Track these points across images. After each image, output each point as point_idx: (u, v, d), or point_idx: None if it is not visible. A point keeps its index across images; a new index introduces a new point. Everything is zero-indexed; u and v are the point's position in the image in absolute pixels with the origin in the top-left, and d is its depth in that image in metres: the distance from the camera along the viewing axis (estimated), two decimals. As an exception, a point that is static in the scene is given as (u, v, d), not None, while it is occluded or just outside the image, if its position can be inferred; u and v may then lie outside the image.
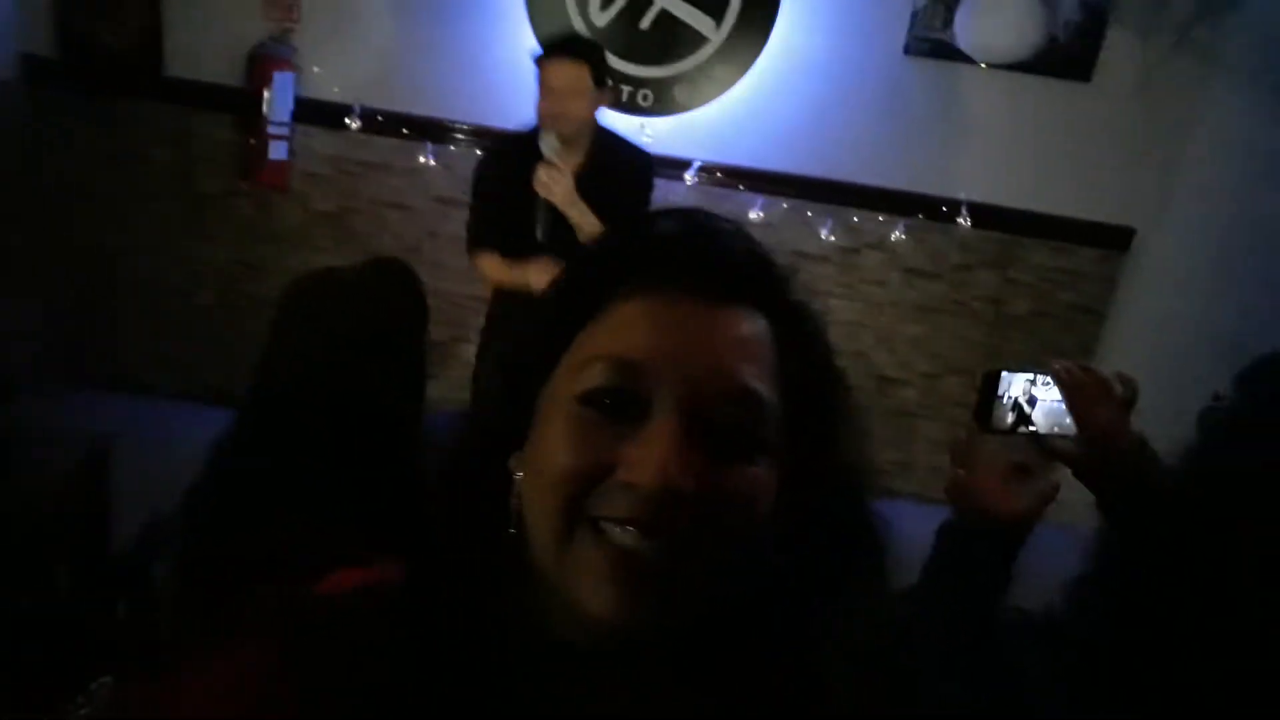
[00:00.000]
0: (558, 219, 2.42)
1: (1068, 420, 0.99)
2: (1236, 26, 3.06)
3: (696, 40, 3.15)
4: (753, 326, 0.52)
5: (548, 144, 2.37)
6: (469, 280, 3.46)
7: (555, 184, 2.37)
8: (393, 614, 0.52)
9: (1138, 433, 0.99)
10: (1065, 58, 3.12)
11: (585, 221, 2.39)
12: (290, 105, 3.19)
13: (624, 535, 0.47)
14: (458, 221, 3.40)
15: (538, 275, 2.35)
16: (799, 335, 0.54)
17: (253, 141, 3.21)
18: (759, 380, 0.50)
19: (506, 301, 2.68)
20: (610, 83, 2.53)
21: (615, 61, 3.13)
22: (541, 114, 2.39)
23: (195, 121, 3.30)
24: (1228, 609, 0.63)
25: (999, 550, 0.92)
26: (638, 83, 3.19)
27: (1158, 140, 3.22)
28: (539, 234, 2.47)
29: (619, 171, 2.48)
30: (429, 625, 0.51)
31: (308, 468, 1.17)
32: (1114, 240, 3.35)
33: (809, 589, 0.53)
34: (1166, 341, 3.12)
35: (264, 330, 1.32)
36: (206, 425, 1.28)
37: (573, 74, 2.34)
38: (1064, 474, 0.98)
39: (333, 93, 3.26)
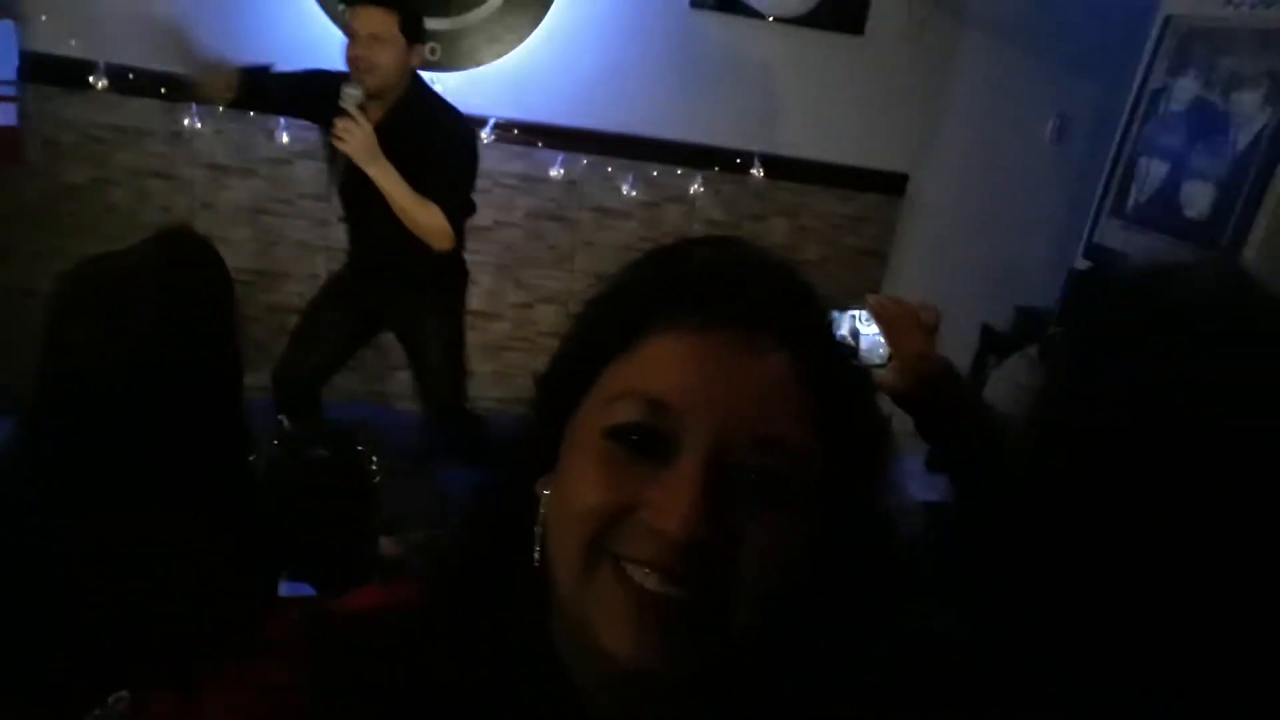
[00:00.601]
0: (354, 173, 2.27)
1: (882, 351, 1.06)
2: (985, -17, 3.34)
3: (483, -8, 3.03)
4: (790, 368, 0.50)
5: (349, 95, 2.23)
6: (253, 255, 3.20)
7: (352, 137, 2.22)
8: (412, 637, 0.51)
9: (943, 356, 1.07)
10: (841, 12, 3.28)
11: (386, 180, 2.25)
12: (15, 61, 2.77)
13: (646, 578, 0.47)
14: (235, 191, 3.14)
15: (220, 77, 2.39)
16: (835, 374, 0.53)
17: (-29, 105, 2.77)
18: (793, 427, 0.49)
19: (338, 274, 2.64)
20: (426, 41, 2.41)
21: (398, 13, 2.96)
22: (348, 61, 2.26)
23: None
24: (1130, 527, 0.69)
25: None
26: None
27: (924, 90, 3.46)
28: (333, 185, 2.35)
29: (426, 132, 2.33)
30: (447, 651, 0.51)
31: (117, 469, 1.03)
32: (891, 185, 3.59)
33: (834, 637, 0.53)
34: (942, 276, 3.40)
35: (19, 320, 1.14)
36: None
37: (381, 21, 2.22)
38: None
39: (69, 47, 2.87)
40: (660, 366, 0.49)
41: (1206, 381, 0.66)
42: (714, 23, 3.26)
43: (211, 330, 1.18)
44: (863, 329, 1.06)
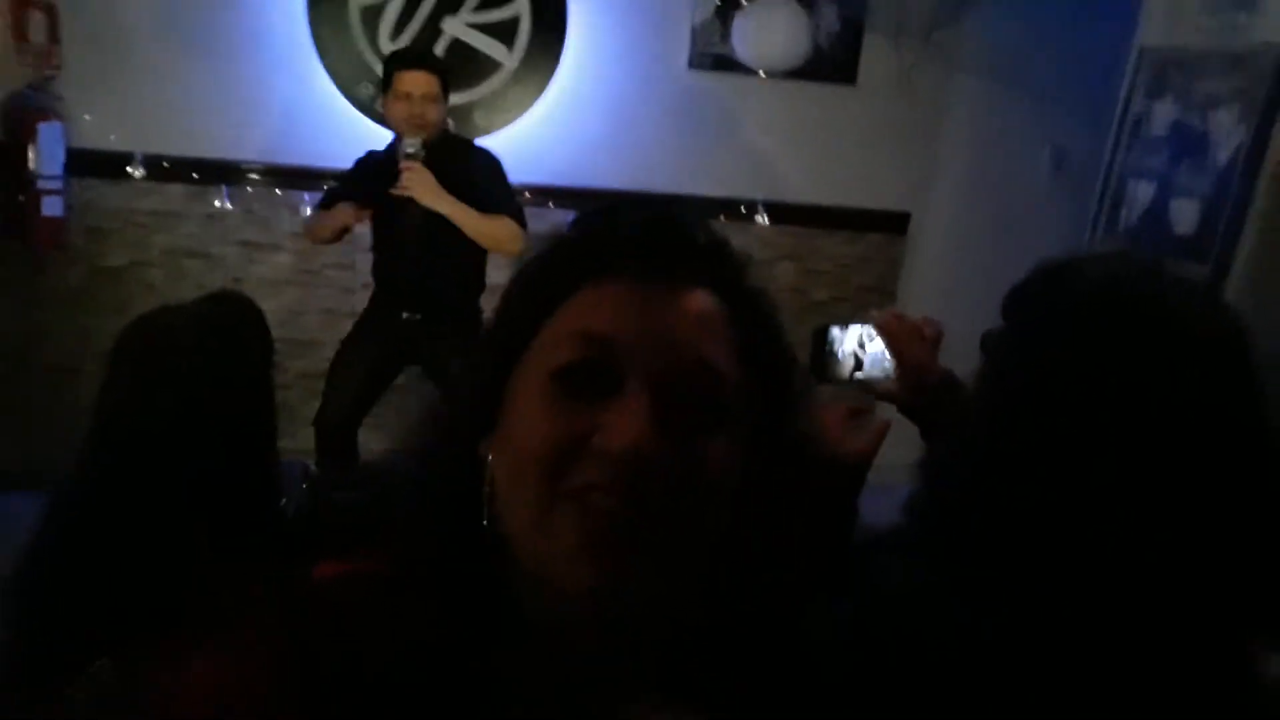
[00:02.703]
0: (427, 217, 2.54)
1: (888, 364, 1.12)
2: (970, 30, 3.47)
3: (491, 65, 3.20)
4: (713, 307, 0.54)
5: (412, 145, 2.49)
6: (282, 324, 3.34)
7: (418, 182, 2.49)
8: (375, 603, 0.53)
9: (946, 367, 1.13)
10: (831, 64, 3.42)
11: (455, 209, 2.52)
12: (61, 157, 2.97)
13: (600, 499, 0.48)
14: (263, 265, 3.30)
15: (345, 214, 2.62)
16: (754, 316, 0.57)
17: (21, 199, 2.96)
18: (721, 356, 0.53)
19: (367, 317, 2.87)
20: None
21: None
22: (396, 119, 2.54)
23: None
24: (1037, 499, 0.74)
25: (843, 489, 1.04)
26: (437, 110, 3.20)
27: (920, 131, 3.58)
28: (406, 233, 2.61)
29: (468, 164, 2.64)
30: (408, 614, 0.51)
31: (167, 516, 1.13)
32: (894, 225, 3.68)
33: (774, 558, 0.56)
34: (948, 307, 3.44)
35: (59, 399, 1.24)
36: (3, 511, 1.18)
37: (429, 82, 2.53)
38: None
39: (109, 141, 3.07)
40: (598, 308, 0.53)
41: (1099, 361, 0.74)
42: (711, 81, 3.41)
43: (253, 379, 1.29)
44: (868, 343, 1.12)
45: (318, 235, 2.76)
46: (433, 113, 2.55)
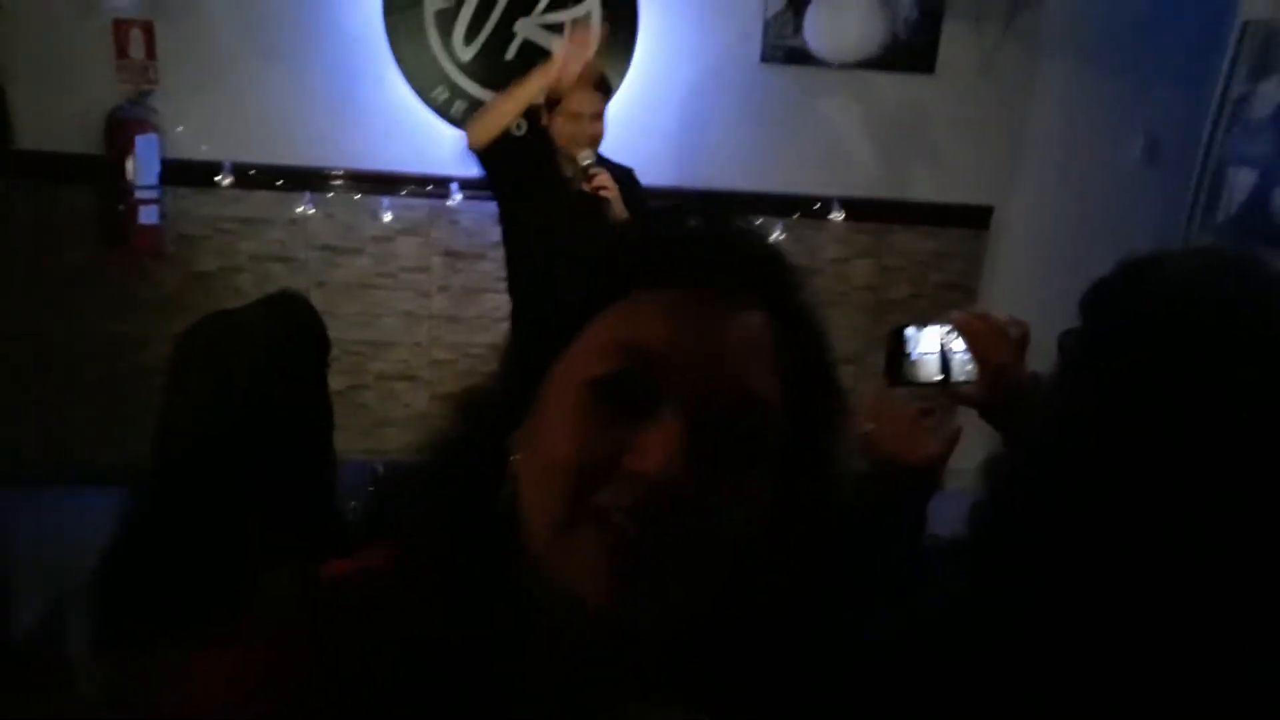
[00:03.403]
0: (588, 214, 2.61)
1: (970, 367, 1.07)
2: (1055, 11, 3.33)
3: (562, 66, 3.22)
4: (763, 327, 0.52)
5: (589, 157, 2.62)
6: (362, 326, 3.43)
7: (613, 186, 2.61)
8: (393, 596, 0.52)
9: (1032, 370, 1.08)
10: (909, 52, 3.32)
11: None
12: (157, 167, 3.12)
13: (624, 521, 0.47)
14: (345, 269, 3.39)
15: (538, 76, 2.61)
16: (804, 336, 0.55)
17: (121, 208, 3.12)
18: (765, 384, 0.51)
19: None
20: None
21: (486, 94, 3.18)
22: (564, 135, 2.63)
23: (55, 193, 3.18)
24: (1107, 508, 0.71)
25: (914, 495, 1.00)
26: (510, 113, 3.24)
27: (1001, 121, 3.46)
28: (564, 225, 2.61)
29: (621, 183, 2.71)
30: (423, 608, 0.51)
31: (229, 514, 1.16)
32: (975, 219, 3.56)
33: (796, 591, 0.54)
34: (1033, 306, 3.31)
35: (156, 401, 1.30)
36: (101, 508, 1.24)
37: (597, 102, 2.66)
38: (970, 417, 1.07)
39: (200, 151, 3.20)
40: (644, 318, 0.50)
41: (1177, 366, 0.69)
42: (784, 75, 3.36)
43: (308, 378, 1.32)
44: (948, 344, 1.07)
45: (496, 117, 2.64)
46: (600, 128, 2.67)
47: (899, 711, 0.66)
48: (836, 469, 0.57)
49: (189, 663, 0.51)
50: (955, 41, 3.36)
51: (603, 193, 2.61)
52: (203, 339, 1.29)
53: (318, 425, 1.32)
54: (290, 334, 1.34)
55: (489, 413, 0.56)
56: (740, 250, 0.54)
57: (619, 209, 2.62)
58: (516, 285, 2.84)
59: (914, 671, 0.70)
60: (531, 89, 2.63)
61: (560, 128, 2.64)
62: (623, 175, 2.77)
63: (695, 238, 0.54)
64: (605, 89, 2.75)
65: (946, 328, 1.08)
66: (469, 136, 2.68)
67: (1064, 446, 0.75)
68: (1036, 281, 3.45)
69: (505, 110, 2.65)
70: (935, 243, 3.58)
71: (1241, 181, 2.40)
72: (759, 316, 0.52)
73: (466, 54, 3.19)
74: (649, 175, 3.36)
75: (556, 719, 0.51)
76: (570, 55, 2.61)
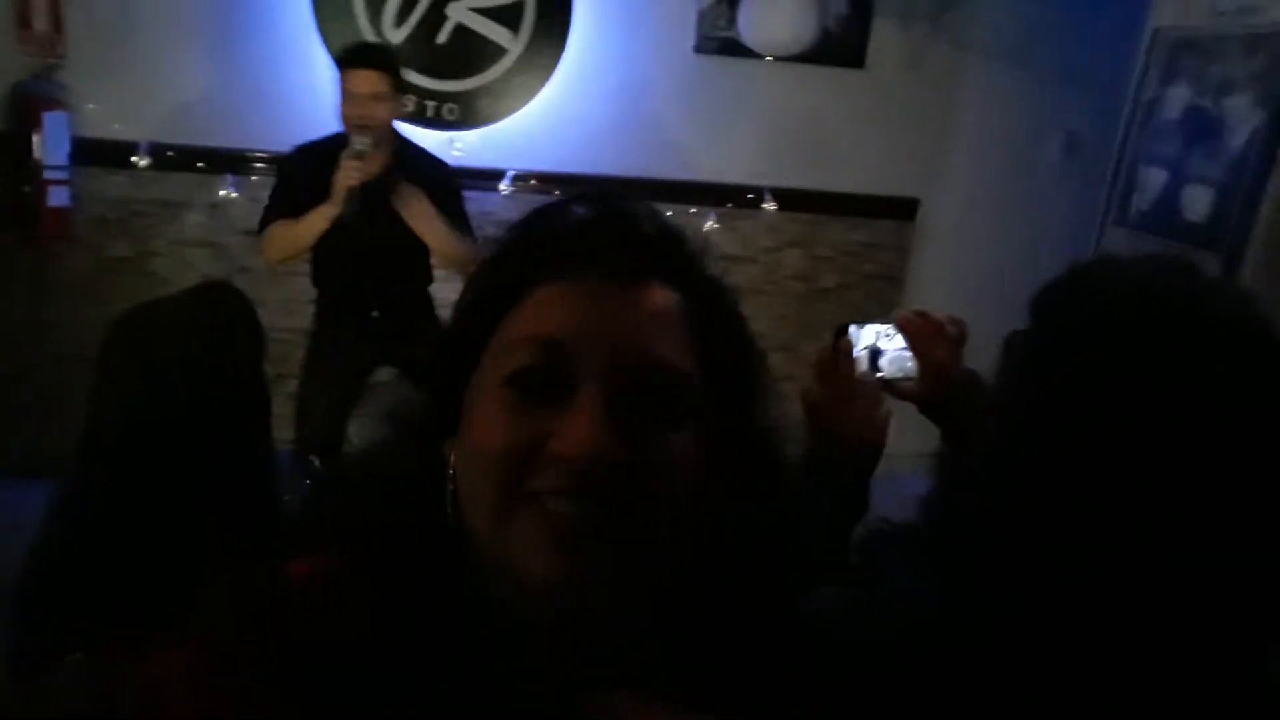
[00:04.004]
0: (366, 206, 2.44)
1: (910, 364, 1.10)
2: (980, 12, 3.42)
3: (496, 52, 3.18)
4: (667, 302, 0.54)
5: (361, 142, 2.41)
6: (288, 313, 3.33)
7: (409, 197, 2.46)
8: (344, 599, 0.53)
9: (969, 367, 1.11)
10: (840, 47, 3.38)
11: (421, 209, 2.47)
12: (66, 147, 2.96)
13: (559, 504, 0.49)
14: (270, 253, 3.29)
15: (321, 214, 2.42)
16: (712, 307, 0.56)
17: (26, 189, 2.96)
18: (675, 352, 0.52)
19: (327, 324, 2.76)
20: (406, 92, 2.66)
21: (416, 77, 3.12)
22: (345, 119, 2.44)
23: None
24: (1062, 509, 0.73)
25: (856, 467, 1.04)
26: (442, 97, 3.18)
27: (929, 115, 3.54)
28: (360, 234, 2.48)
29: (425, 175, 2.56)
30: (375, 610, 0.52)
31: (163, 506, 1.13)
32: (902, 211, 3.65)
33: (737, 549, 0.55)
34: (958, 295, 3.42)
35: (67, 389, 1.25)
36: (13, 501, 1.19)
37: (374, 81, 2.42)
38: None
39: (114, 130, 3.06)
40: (549, 311, 0.52)
41: (1132, 367, 0.72)
42: (717, 66, 3.38)
43: (242, 370, 1.29)
44: (885, 345, 1.10)
45: (293, 246, 2.54)
46: (382, 111, 2.44)
47: (852, 692, 0.67)
48: (765, 429, 0.59)
49: (146, 667, 0.51)
50: (884, 37, 3.43)
51: (347, 178, 2.38)
52: (132, 329, 1.25)
53: (254, 417, 1.29)
54: (222, 324, 1.30)
55: (421, 424, 0.57)
56: (634, 233, 0.56)
57: (414, 218, 2.46)
58: (318, 277, 2.74)
59: (873, 651, 0.72)
60: (319, 221, 2.46)
61: (343, 110, 2.45)
62: (434, 170, 2.61)
63: (588, 227, 0.56)
64: (387, 67, 2.47)
65: (886, 325, 1.11)
66: (265, 259, 2.65)
67: (1015, 449, 0.77)
68: (961, 272, 3.57)
69: (295, 243, 2.55)
70: (864, 233, 3.65)
71: (1152, 180, 2.52)
72: (662, 292, 0.54)
73: (397, 36, 3.12)
74: (583, 164, 3.36)
75: (516, 707, 0.52)
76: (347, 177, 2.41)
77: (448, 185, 2.62)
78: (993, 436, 0.82)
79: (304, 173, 2.54)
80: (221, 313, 1.32)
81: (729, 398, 0.56)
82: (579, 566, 0.49)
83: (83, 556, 1.16)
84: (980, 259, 3.55)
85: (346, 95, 2.44)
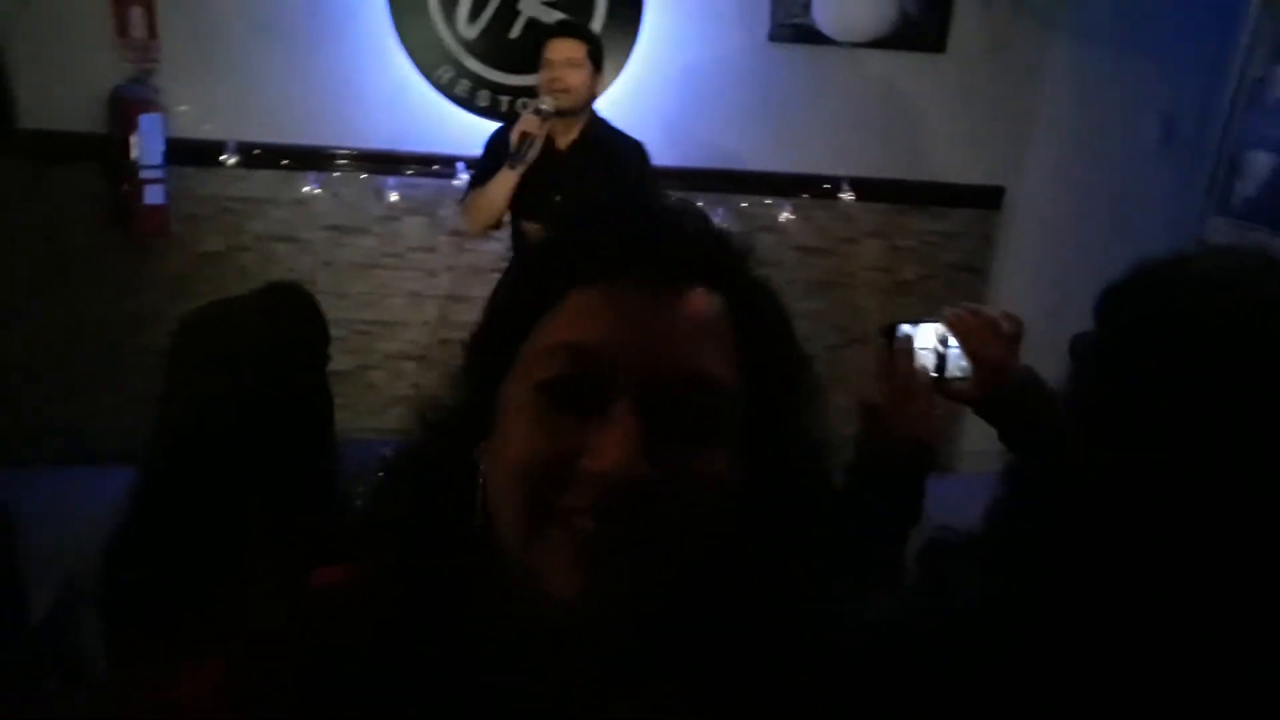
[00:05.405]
0: (576, 168, 2.59)
1: (963, 363, 1.06)
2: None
3: (568, 45, 3.18)
4: (710, 308, 0.52)
5: (545, 101, 2.54)
6: (369, 306, 3.42)
7: (533, 133, 2.54)
8: (373, 606, 0.53)
9: (1026, 365, 1.07)
10: (920, 31, 3.28)
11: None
12: (161, 147, 3.09)
13: (586, 522, 0.48)
14: (351, 249, 3.38)
15: (504, 173, 2.54)
16: (758, 313, 0.54)
17: (125, 188, 3.10)
18: (717, 363, 0.51)
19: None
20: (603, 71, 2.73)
21: (491, 72, 3.15)
22: (544, 85, 2.59)
23: (57, 174, 3.16)
24: (1132, 519, 0.70)
25: (913, 470, 1.00)
26: (516, 91, 3.20)
27: (1013, 100, 3.41)
28: (513, 162, 2.59)
29: (610, 152, 2.65)
30: (403, 617, 0.52)
31: (227, 502, 1.16)
32: (986, 199, 3.53)
33: (774, 566, 0.53)
34: (1047, 287, 3.31)
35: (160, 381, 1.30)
36: (107, 488, 1.24)
37: (570, 48, 2.57)
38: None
39: (204, 130, 3.18)
40: (583, 317, 0.50)
41: (1198, 373, 0.67)
42: (792, 53, 3.32)
43: (306, 366, 1.32)
44: (944, 341, 1.06)
45: (486, 208, 2.65)
46: (576, 78, 2.56)
47: (905, 707, 0.65)
48: (809, 441, 0.57)
49: (170, 678, 0.51)
50: (966, 20, 3.31)
51: (517, 135, 2.53)
52: (201, 327, 1.29)
53: (317, 415, 1.31)
54: (289, 323, 1.33)
55: (451, 428, 0.56)
56: (675, 235, 0.54)
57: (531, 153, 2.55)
58: (517, 244, 2.84)
59: (925, 657, 0.70)
60: (504, 180, 2.59)
61: (541, 80, 2.60)
62: (625, 148, 2.70)
63: (626, 229, 0.54)
64: (584, 36, 2.63)
65: (937, 323, 1.07)
66: (467, 227, 2.76)
67: (1083, 457, 0.73)
68: (1050, 261, 3.43)
69: (487, 206, 2.65)
70: (946, 223, 3.55)
71: (1259, 165, 2.37)
72: (704, 297, 0.52)
73: (470, 32, 3.15)
74: (655, 156, 3.33)
75: (534, 713, 0.51)
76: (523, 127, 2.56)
77: (641, 170, 2.70)
78: (1057, 445, 0.78)
79: (501, 146, 2.67)
80: (289, 312, 1.35)
81: (773, 406, 0.53)
82: (603, 585, 0.48)
83: (149, 551, 1.20)
84: (1070, 250, 3.41)
85: (545, 63, 2.57)
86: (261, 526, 1.14)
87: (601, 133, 2.71)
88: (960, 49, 3.34)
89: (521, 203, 2.64)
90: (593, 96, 2.68)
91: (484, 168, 2.73)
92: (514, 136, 2.57)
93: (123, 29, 3.05)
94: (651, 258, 0.52)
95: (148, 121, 3.05)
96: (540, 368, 0.50)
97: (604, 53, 2.69)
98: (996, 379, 1.05)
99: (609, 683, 0.52)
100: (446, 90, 3.19)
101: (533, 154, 2.54)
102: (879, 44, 3.21)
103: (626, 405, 0.48)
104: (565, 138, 2.67)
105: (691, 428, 0.49)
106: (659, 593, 0.50)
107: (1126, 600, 0.68)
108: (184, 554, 1.13)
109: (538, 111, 2.54)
